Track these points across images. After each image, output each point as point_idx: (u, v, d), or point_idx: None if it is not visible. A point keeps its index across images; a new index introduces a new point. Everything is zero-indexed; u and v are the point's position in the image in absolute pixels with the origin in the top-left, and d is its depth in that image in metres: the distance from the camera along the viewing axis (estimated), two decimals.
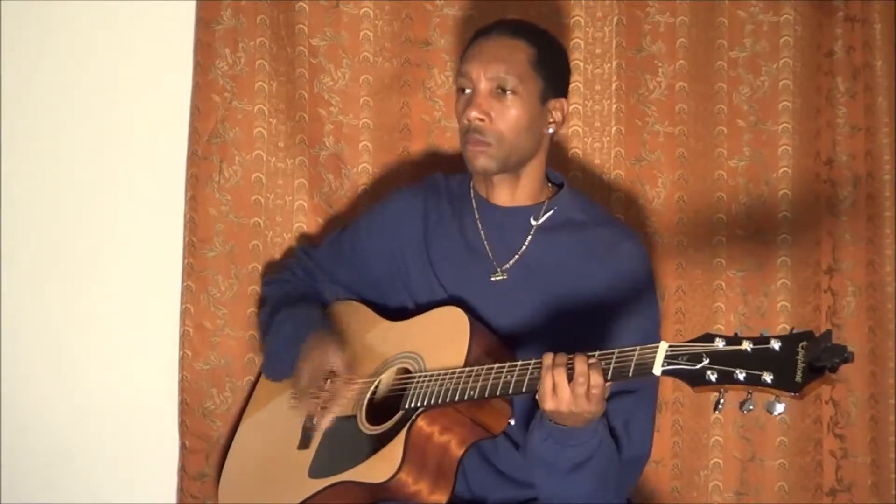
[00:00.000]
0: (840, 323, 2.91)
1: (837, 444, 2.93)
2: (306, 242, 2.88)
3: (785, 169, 2.88)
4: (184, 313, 2.91)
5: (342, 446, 2.44)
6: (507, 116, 2.45)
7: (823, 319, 2.92)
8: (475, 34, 2.53)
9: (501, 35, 2.48)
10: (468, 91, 2.47)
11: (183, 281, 2.92)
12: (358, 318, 2.64)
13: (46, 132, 2.93)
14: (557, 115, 2.51)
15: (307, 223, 2.92)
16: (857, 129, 2.89)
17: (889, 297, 2.89)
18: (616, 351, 2.15)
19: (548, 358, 2.18)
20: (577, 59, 2.88)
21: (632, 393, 2.38)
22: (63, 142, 2.94)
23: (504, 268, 2.51)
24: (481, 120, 2.44)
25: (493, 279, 2.50)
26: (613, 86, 2.90)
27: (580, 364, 2.14)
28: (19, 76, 2.91)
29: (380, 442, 2.36)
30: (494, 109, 2.44)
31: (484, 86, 2.45)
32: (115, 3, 2.92)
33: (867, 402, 2.92)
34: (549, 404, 2.18)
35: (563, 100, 2.52)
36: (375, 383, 2.47)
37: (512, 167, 2.49)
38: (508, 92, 2.44)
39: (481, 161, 2.46)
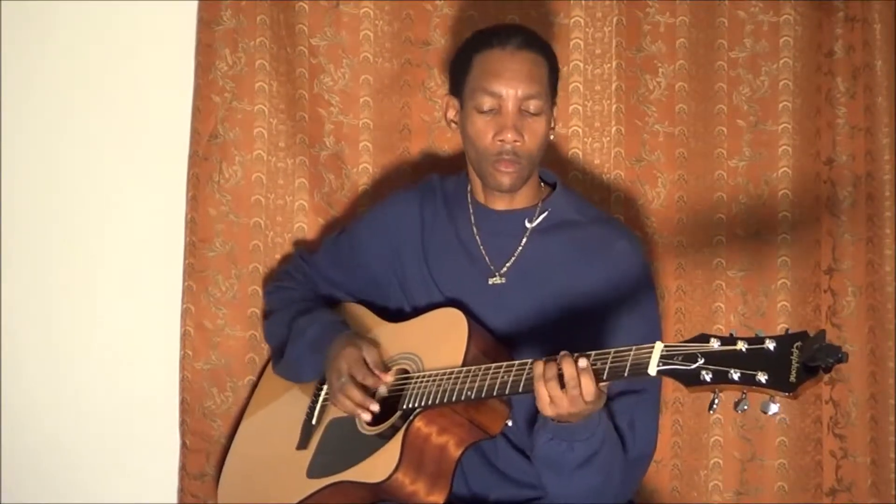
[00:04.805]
0: (840, 323, 2.91)
1: (837, 444, 2.92)
2: (303, 247, 2.88)
3: (785, 169, 2.88)
4: (184, 313, 2.92)
5: (341, 446, 2.44)
6: (536, 134, 2.43)
7: (823, 319, 2.91)
8: (485, 41, 2.45)
9: (521, 49, 2.42)
10: (490, 109, 2.43)
11: (184, 281, 2.92)
12: (356, 318, 2.64)
13: (47, 132, 2.93)
14: (554, 120, 2.50)
15: (307, 223, 2.92)
16: (857, 129, 2.89)
17: (889, 297, 2.89)
18: (612, 351, 2.13)
19: (538, 367, 2.17)
20: (576, 59, 2.88)
21: (636, 392, 2.38)
22: (63, 142, 2.94)
23: (501, 271, 2.50)
24: (517, 142, 2.42)
25: (490, 282, 2.50)
26: (613, 86, 2.89)
27: (568, 368, 2.14)
28: (19, 76, 2.91)
29: (378, 442, 2.36)
30: (525, 128, 2.41)
31: (513, 105, 2.41)
32: (116, 3, 2.92)
33: (867, 402, 2.91)
34: (548, 412, 2.18)
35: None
36: None
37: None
38: (536, 110, 2.42)
39: (511, 181, 2.44)
